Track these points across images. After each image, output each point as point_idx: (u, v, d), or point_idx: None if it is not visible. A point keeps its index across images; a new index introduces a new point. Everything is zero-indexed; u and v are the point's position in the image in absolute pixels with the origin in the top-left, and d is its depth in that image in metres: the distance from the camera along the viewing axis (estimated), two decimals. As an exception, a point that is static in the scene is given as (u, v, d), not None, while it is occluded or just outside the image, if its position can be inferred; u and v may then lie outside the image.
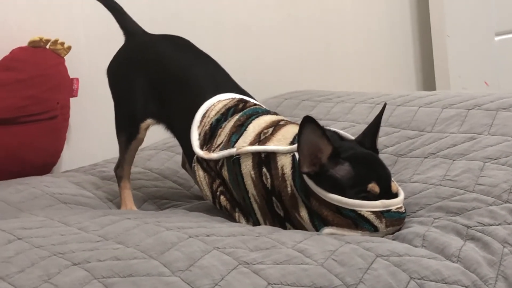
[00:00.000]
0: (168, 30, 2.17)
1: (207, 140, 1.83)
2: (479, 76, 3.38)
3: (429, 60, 3.49)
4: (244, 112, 1.82)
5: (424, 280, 1.40)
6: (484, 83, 3.37)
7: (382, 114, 1.71)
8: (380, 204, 1.57)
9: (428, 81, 3.56)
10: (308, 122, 1.56)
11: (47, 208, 1.93)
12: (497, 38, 3.47)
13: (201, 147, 1.83)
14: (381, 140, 2.04)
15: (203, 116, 1.85)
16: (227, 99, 1.88)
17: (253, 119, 1.79)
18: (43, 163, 2.45)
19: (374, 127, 1.70)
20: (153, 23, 2.19)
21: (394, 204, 1.59)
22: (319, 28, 3.27)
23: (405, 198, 1.65)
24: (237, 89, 1.95)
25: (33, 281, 1.27)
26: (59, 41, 2.45)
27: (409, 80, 3.56)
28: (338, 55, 3.34)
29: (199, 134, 1.85)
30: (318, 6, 3.27)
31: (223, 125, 1.82)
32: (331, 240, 1.48)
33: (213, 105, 1.86)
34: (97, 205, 2.02)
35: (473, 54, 3.39)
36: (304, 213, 1.62)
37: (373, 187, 1.58)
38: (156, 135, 2.15)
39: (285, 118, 1.83)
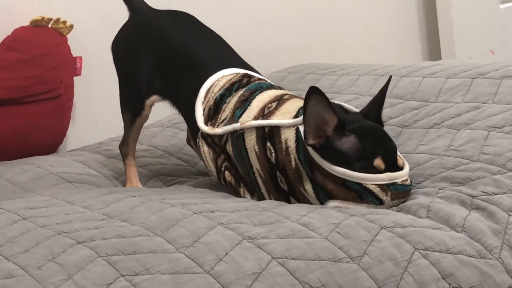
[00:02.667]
0: (171, 5, 2.17)
1: (212, 115, 1.83)
2: (485, 45, 3.36)
3: (434, 29, 3.47)
4: (248, 87, 1.82)
5: (429, 250, 1.40)
6: (490, 52, 3.35)
7: (387, 87, 1.71)
8: (385, 177, 1.57)
9: (433, 51, 3.55)
10: (313, 93, 1.55)
11: (52, 188, 1.94)
12: (502, 6, 3.44)
13: (206, 123, 1.83)
14: (386, 112, 2.03)
15: (207, 92, 1.85)
16: (231, 74, 1.87)
17: (257, 94, 1.79)
18: (49, 142, 2.46)
19: (379, 100, 1.70)
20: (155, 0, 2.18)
21: (399, 176, 1.59)
22: (323, 0, 3.26)
23: (410, 170, 1.65)
24: (241, 64, 1.94)
25: (38, 261, 1.28)
26: (61, 20, 2.45)
27: (415, 50, 3.54)
28: (342, 26, 3.33)
29: (204, 110, 1.84)
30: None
31: (228, 100, 1.82)
32: (335, 213, 1.48)
33: (217, 80, 1.86)
34: (102, 184, 2.03)
35: (478, 22, 3.37)
36: (308, 186, 1.62)
37: (379, 163, 1.58)
38: (160, 112, 2.15)
39: (290, 93, 1.82)
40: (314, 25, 3.23)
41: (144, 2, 2.10)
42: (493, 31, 3.39)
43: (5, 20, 2.42)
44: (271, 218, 1.45)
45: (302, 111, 1.59)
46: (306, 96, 1.56)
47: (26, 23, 2.42)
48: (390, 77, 1.77)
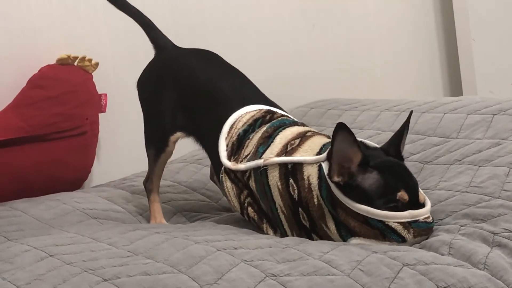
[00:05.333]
0: (194, 44, 2.19)
1: (235, 151, 1.85)
2: (506, 79, 3.36)
3: (455, 64, 3.48)
4: (271, 123, 1.84)
5: (451, 288, 1.41)
6: (511, 86, 3.35)
7: (409, 122, 1.72)
8: (407, 215, 1.58)
9: (454, 85, 3.55)
10: (341, 129, 1.57)
11: (78, 224, 1.96)
12: (523, 40, 3.45)
13: (229, 158, 1.84)
14: (407, 148, 2.04)
15: (231, 127, 1.87)
16: (255, 110, 1.89)
17: (280, 131, 1.80)
18: (74, 179, 2.48)
19: (398, 135, 1.71)
20: (178, 38, 2.21)
21: (421, 214, 1.59)
22: (343, 36, 3.28)
23: (431, 206, 1.65)
24: (264, 100, 1.96)
25: (65, 298, 1.30)
26: (86, 58, 2.48)
27: (436, 85, 3.55)
28: (363, 62, 3.34)
29: (227, 145, 1.86)
30: (342, 14, 3.28)
31: (251, 136, 1.83)
32: (358, 250, 1.49)
33: (241, 116, 1.88)
34: (127, 220, 2.04)
35: (499, 57, 3.37)
36: (331, 224, 1.63)
37: (403, 195, 1.59)
38: (184, 148, 2.17)
39: (312, 129, 1.83)
40: (335, 60, 3.25)
41: (169, 40, 2.13)
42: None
43: (32, 58, 2.45)
44: (294, 255, 1.46)
45: (330, 147, 1.60)
46: (334, 132, 1.57)
47: (53, 61, 2.46)
48: (411, 112, 1.77)
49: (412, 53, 3.49)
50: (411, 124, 2.15)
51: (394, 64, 3.43)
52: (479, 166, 1.85)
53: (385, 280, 1.39)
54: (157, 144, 2.02)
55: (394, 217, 1.56)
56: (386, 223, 1.57)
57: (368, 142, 1.74)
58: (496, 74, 3.36)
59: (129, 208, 2.13)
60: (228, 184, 1.84)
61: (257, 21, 3.04)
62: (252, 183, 1.78)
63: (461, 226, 1.61)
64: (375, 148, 1.71)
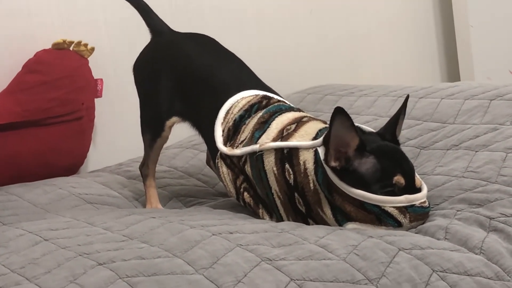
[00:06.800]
0: (190, 27, 2.19)
1: (231, 136, 1.84)
2: (503, 65, 3.36)
3: (453, 51, 3.48)
4: (268, 109, 1.83)
5: (447, 272, 1.40)
6: (509, 72, 3.35)
7: (405, 107, 1.71)
8: (404, 200, 1.58)
9: (452, 71, 3.55)
10: (339, 114, 1.56)
11: (73, 209, 1.96)
12: (521, 27, 3.45)
13: (225, 144, 1.84)
14: (404, 133, 2.04)
15: (227, 113, 1.86)
16: (251, 95, 1.89)
17: (277, 116, 1.80)
18: (70, 163, 2.48)
19: (394, 120, 1.70)
20: (174, 21, 2.20)
21: (417, 199, 1.59)
22: (341, 22, 3.27)
23: (428, 191, 1.65)
24: (261, 86, 1.95)
25: (59, 282, 1.30)
26: (82, 43, 2.47)
27: (434, 72, 3.55)
28: (361, 48, 3.34)
29: (223, 131, 1.86)
30: (340, 1, 3.27)
31: (247, 122, 1.83)
32: (354, 235, 1.49)
33: (237, 101, 1.87)
34: (123, 205, 2.04)
35: (497, 43, 3.37)
36: (326, 208, 1.62)
37: (399, 179, 1.58)
38: (180, 133, 2.16)
39: (308, 115, 1.83)
40: (333, 47, 3.25)
41: (166, 24, 2.12)
42: (511, 51, 3.40)
43: (28, 43, 2.44)
44: (290, 239, 1.46)
45: (327, 132, 1.60)
46: (331, 116, 1.56)
47: (48, 46, 2.45)
48: (407, 97, 1.77)
49: (410, 39, 3.49)
50: (408, 109, 2.14)
51: (391, 50, 3.42)
52: (476, 151, 1.85)
53: (380, 264, 1.39)
54: (153, 129, 2.02)
55: (390, 202, 1.56)
56: (382, 207, 1.56)
57: (364, 127, 1.74)
58: (494, 60, 3.36)
59: (125, 193, 2.13)
60: (224, 169, 1.84)
61: (254, 6, 3.03)
62: (248, 168, 1.78)
63: (458, 211, 1.61)
64: (371, 133, 1.71)
